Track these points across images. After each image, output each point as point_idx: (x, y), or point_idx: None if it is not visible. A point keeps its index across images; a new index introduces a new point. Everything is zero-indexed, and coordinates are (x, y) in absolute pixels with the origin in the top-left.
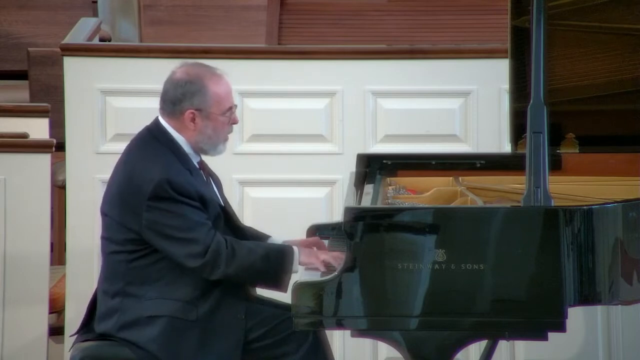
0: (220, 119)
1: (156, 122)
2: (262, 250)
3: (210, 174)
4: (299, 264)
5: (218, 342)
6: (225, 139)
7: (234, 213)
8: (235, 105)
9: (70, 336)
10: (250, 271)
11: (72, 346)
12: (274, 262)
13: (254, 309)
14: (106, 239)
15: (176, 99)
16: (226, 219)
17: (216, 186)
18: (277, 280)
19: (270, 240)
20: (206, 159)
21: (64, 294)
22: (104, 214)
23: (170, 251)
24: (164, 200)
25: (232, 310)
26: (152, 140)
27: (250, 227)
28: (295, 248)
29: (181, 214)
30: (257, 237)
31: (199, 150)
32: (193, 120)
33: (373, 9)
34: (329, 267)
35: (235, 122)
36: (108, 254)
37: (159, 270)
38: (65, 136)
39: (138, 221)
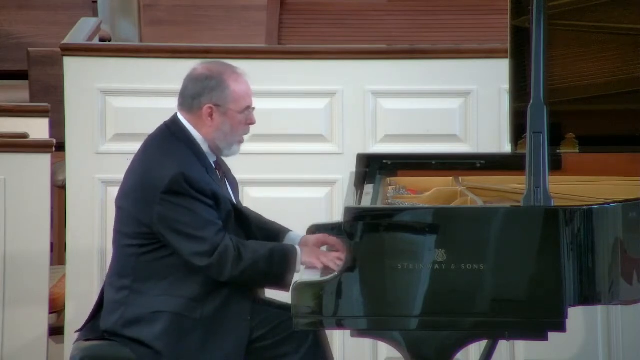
0: (238, 117)
1: (174, 119)
2: (267, 252)
3: (226, 175)
4: (301, 263)
5: (222, 342)
6: (241, 140)
7: (251, 211)
8: (254, 108)
9: (76, 332)
10: (254, 273)
11: (75, 342)
12: (278, 263)
13: (256, 309)
14: (118, 231)
15: (195, 93)
16: (238, 218)
17: (232, 187)
18: (280, 280)
19: (289, 235)
20: None
21: (64, 294)
22: (118, 206)
23: (178, 247)
24: (178, 195)
25: (238, 311)
26: (170, 136)
27: (271, 221)
28: (298, 247)
29: (193, 211)
30: (278, 231)
31: (214, 149)
32: (211, 115)
33: (373, 9)
34: (327, 269)
35: (252, 122)
36: (119, 247)
37: (167, 266)
38: (65, 136)
39: (150, 214)
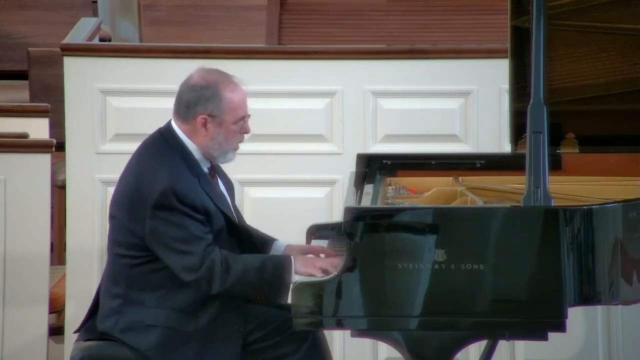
0: (233, 127)
1: (168, 126)
2: (258, 264)
3: (222, 179)
4: (296, 273)
5: (216, 353)
6: (236, 148)
7: (242, 218)
8: (249, 115)
9: (74, 333)
10: (245, 285)
11: (74, 343)
12: (270, 274)
13: (254, 311)
14: (113, 240)
15: (190, 102)
16: (231, 230)
17: (228, 191)
18: (274, 292)
19: (275, 244)
20: None
21: (64, 294)
22: (111, 215)
23: (167, 261)
24: (167, 209)
25: (231, 321)
26: (163, 143)
27: (257, 230)
28: (292, 258)
29: (182, 225)
30: (263, 240)
31: (208, 157)
32: (205, 125)
33: (373, 9)
34: (326, 274)
35: (246, 132)
36: (113, 255)
37: (160, 278)
38: (65, 136)
39: (142, 227)
